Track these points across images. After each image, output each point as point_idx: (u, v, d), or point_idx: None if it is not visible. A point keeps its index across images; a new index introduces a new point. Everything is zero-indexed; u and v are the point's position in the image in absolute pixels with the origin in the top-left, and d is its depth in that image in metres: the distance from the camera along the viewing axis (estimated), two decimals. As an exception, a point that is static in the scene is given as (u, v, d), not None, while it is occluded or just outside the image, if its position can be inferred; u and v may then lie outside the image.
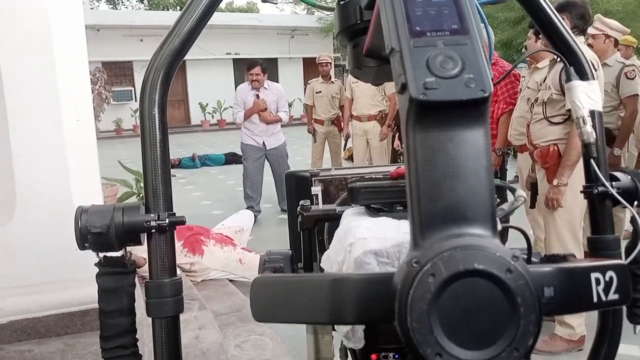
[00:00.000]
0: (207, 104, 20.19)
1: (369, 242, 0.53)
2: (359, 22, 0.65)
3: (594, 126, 0.76)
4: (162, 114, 0.65)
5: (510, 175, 5.07)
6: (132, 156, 13.17)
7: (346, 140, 7.75)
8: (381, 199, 0.61)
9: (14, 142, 2.07)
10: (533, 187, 3.21)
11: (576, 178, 2.84)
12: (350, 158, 7.52)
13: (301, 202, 0.74)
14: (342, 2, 0.69)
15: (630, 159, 4.25)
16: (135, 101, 19.57)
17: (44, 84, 2.09)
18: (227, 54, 20.91)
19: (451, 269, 0.36)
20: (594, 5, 12.74)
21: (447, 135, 0.40)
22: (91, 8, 21.67)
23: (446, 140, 0.40)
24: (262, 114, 6.08)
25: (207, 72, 20.41)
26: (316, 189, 0.75)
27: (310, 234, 0.75)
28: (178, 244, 3.73)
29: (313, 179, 0.92)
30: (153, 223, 0.63)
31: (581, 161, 2.78)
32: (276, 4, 0.73)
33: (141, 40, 19.58)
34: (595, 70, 2.78)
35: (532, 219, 3.66)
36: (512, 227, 0.59)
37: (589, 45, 4.02)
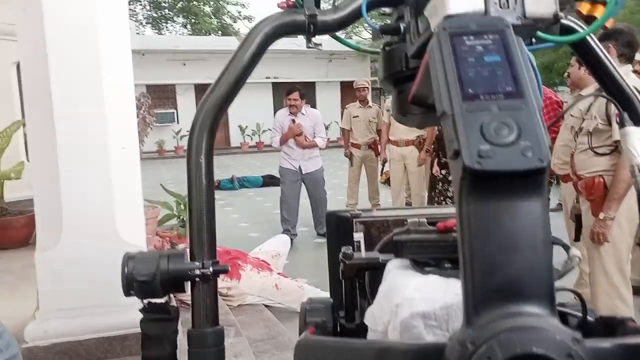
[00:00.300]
0: (246, 127, 20.53)
1: (416, 303, 0.52)
2: (404, 69, 0.65)
3: (650, 175, 0.72)
4: (209, 162, 0.65)
5: (552, 203, 4.93)
6: (173, 177, 13.47)
7: (383, 165, 7.72)
8: (428, 254, 0.60)
9: (62, 167, 2.14)
10: (577, 219, 3.10)
11: (623, 211, 2.73)
12: (387, 182, 7.48)
13: (343, 249, 0.73)
14: (387, 49, 0.69)
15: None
16: (178, 123, 20.10)
17: (93, 111, 2.17)
18: (266, 78, 21.28)
19: (508, 352, 0.34)
20: (637, 28, 12.42)
21: (502, 206, 0.38)
22: (137, 33, 22.48)
23: (501, 211, 0.38)
24: (297, 138, 6.13)
25: (247, 96, 20.72)
26: (358, 235, 0.74)
27: (353, 284, 0.73)
28: (216, 268, 3.75)
29: (354, 220, 0.91)
30: (197, 272, 0.63)
31: (629, 194, 2.70)
32: (321, 49, 0.73)
33: (184, 64, 20.15)
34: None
35: (577, 251, 3.52)
36: (566, 289, 0.56)
37: (635, 71, 3.90)
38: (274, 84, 21.49)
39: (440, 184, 5.27)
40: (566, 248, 0.59)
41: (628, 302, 2.88)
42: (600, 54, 0.73)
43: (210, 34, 29.35)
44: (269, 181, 10.74)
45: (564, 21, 0.71)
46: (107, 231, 2.20)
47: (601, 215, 2.74)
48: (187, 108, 20.74)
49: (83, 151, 2.16)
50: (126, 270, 0.63)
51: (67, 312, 2.21)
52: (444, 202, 5.24)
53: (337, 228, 0.92)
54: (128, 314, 2.26)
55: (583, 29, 0.68)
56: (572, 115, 3.28)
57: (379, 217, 0.92)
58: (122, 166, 2.23)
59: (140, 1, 28.24)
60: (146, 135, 4.74)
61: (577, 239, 3.22)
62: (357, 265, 0.71)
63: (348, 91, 17.97)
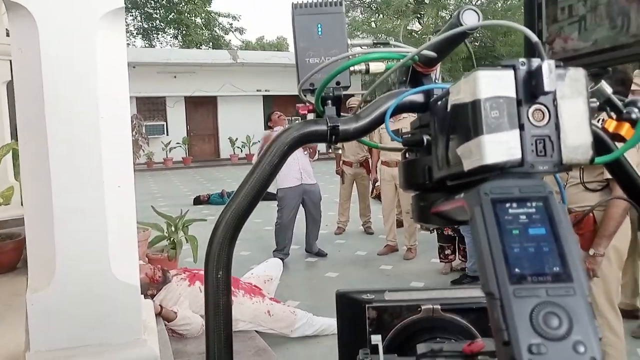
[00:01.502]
0: (236, 139, 20.50)
1: None
2: (427, 182, 0.64)
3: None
4: (227, 276, 0.64)
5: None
6: (162, 190, 13.39)
7: (374, 185, 7.73)
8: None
9: (57, 207, 2.11)
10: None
11: (611, 246, 2.76)
12: (378, 197, 7.49)
13: (361, 354, 0.71)
14: (408, 157, 0.68)
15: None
16: (167, 135, 20.00)
17: (88, 150, 2.13)
18: (257, 90, 21.29)
19: None
20: (491, 52, 12.61)
21: None
22: (128, 44, 22.40)
23: None
24: (312, 150, 6.09)
25: (238, 108, 20.81)
26: (376, 338, 0.73)
27: (371, 393, 0.72)
28: (208, 295, 3.71)
29: (367, 306, 0.89)
30: None
31: (621, 229, 2.72)
32: (340, 152, 0.72)
33: (174, 76, 20.10)
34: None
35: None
36: None
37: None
38: (264, 96, 21.50)
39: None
40: None
41: (618, 333, 2.91)
42: (629, 167, 0.74)
43: (201, 46, 29.34)
44: (259, 196, 10.70)
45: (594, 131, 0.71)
46: (101, 271, 2.17)
47: (591, 252, 2.77)
48: (177, 120, 20.68)
49: (78, 190, 2.12)
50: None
51: (58, 353, 2.16)
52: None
53: (348, 313, 0.90)
54: (120, 354, 2.23)
55: (611, 142, 0.68)
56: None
57: (392, 301, 0.90)
58: (117, 205, 2.20)
59: (132, 12, 28.17)
60: (138, 157, 4.70)
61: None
62: (377, 376, 0.70)
63: (340, 107, 18.01)
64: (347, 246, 6.88)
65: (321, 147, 20.92)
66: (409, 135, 0.66)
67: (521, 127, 0.48)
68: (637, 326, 3.82)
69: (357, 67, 0.70)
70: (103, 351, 2.22)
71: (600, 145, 0.65)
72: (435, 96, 0.63)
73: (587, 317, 0.37)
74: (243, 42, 35.01)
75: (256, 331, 3.89)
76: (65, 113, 2.06)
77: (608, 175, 2.71)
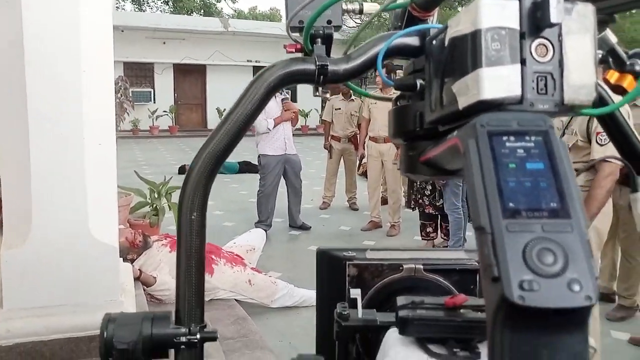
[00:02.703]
0: (224, 109, 20.25)
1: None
2: (418, 129, 0.60)
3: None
4: (202, 219, 0.60)
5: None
6: (147, 158, 13.24)
7: (360, 161, 7.71)
8: (434, 333, 0.56)
9: (34, 162, 2.05)
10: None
11: (592, 229, 2.78)
12: (365, 174, 7.49)
13: (339, 308, 0.69)
14: (399, 103, 0.65)
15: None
16: (154, 102, 19.71)
17: (69, 106, 2.07)
18: (247, 61, 21.00)
19: None
20: (619, 33, 12.64)
21: (541, 341, 0.34)
22: (117, 8, 21.88)
23: (540, 347, 0.34)
24: (294, 117, 6.04)
25: (227, 78, 20.50)
26: (355, 292, 0.70)
27: (347, 346, 0.69)
28: (189, 262, 3.68)
29: (347, 263, 0.86)
30: (183, 339, 0.58)
31: (603, 210, 2.74)
32: (328, 98, 0.68)
33: (164, 43, 19.74)
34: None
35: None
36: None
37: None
38: (255, 67, 21.24)
39: (418, 183, 5.28)
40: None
41: (593, 313, 2.94)
42: (623, 121, 0.71)
43: (192, 13, 28.77)
44: (245, 168, 10.63)
45: None
46: (79, 229, 2.12)
47: None
48: (164, 88, 20.35)
49: (56, 146, 2.06)
50: (105, 335, 0.58)
51: (32, 312, 2.13)
52: (421, 201, 5.25)
53: (328, 270, 0.88)
54: (96, 315, 2.19)
55: (609, 95, 0.65)
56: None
57: (373, 260, 0.88)
58: (98, 163, 2.15)
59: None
60: (122, 120, 4.60)
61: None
62: (353, 328, 0.67)
63: (331, 46, 17.87)
64: (331, 221, 6.89)
65: (311, 122, 20.64)
66: (403, 79, 0.63)
67: (523, 62, 0.45)
68: (612, 309, 3.88)
69: (350, 6, 0.66)
70: (79, 311, 2.18)
71: (597, 97, 0.63)
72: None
73: (584, 255, 0.34)
74: (235, 10, 34.39)
75: (236, 300, 3.89)
76: (45, 67, 1.98)
77: (595, 156, 2.71)
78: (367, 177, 6.71)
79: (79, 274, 2.17)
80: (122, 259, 2.77)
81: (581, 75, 0.46)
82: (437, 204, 5.12)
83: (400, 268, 0.85)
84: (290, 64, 0.63)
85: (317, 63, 0.62)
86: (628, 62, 0.59)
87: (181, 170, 10.50)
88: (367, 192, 6.57)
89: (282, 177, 6.07)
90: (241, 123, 0.61)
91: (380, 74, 0.61)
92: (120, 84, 4.48)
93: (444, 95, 0.52)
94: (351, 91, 7.34)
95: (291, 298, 3.95)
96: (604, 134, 2.74)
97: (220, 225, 6.48)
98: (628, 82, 0.59)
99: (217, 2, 30.71)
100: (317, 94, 0.66)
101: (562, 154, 0.38)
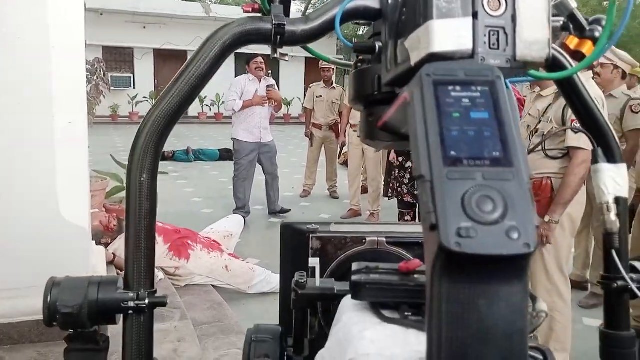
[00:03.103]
0: (205, 96, 20.05)
1: (371, 359, 0.47)
2: (376, 93, 0.59)
3: (618, 214, 0.70)
4: (152, 182, 0.58)
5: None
6: (125, 144, 13.03)
7: (341, 149, 7.69)
8: (388, 298, 0.55)
9: (3, 141, 2.00)
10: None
11: (565, 213, 2.81)
12: (346, 163, 7.49)
13: (296, 276, 0.68)
14: (359, 66, 0.63)
15: (629, 193, 4.23)
16: (134, 88, 19.41)
17: (38, 82, 2.02)
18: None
19: None
20: (598, 28, 12.77)
21: (479, 290, 0.34)
22: (96, -10, 21.44)
23: (477, 297, 0.33)
24: (276, 102, 5.92)
25: (208, 65, 20.28)
26: (314, 261, 0.69)
27: (304, 315, 0.69)
28: (164, 247, 3.65)
29: (311, 236, 0.85)
30: (131, 304, 0.56)
31: (577, 198, 2.78)
32: (287, 60, 0.67)
33: (144, 27, 19.41)
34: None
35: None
36: (533, 347, 0.53)
37: (597, 74, 3.98)
38: (237, 54, 20.99)
39: (397, 171, 5.29)
40: (533, 299, 0.56)
41: (566, 299, 2.99)
42: (582, 88, 0.70)
43: (173, -2, 28.30)
44: (225, 155, 10.54)
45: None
46: (48, 209, 2.08)
47: (546, 218, 2.81)
48: (144, 73, 20.03)
49: (25, 125, 2.01)
50: (49, 299, 0.56)
51: (0, 294, 2.08)
52: (399, 189, 5.26)
53: (292, 242, 0.87)
54: (67, 297, 2.16)
55: (568, 61, 0.64)
56: (530, 115, 3.33)
57: (337, 233, 0.87)
58: (68, 142, 2.10)
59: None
60: (98, 103, 4.52)
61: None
62: (310, 296, 0.66)
63: (313, 68, 17.76)
64: (311, 209, 6.88)
65: (294, 110, 20.49)
66: (362, 42, 0.61)
67: (474, 15, 0.44)
68: (584, 297, 3.95)
69: None
70: (48, 293, 2.15)
71: (556, 62, 0.62)
72: None
73: (525, 203, 0.34)
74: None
75: (213, 286, 3.87)
76: (11, 39, 1.93)
77: (569, 144, 2.73)
78: (347, 166, 6.70)
79: (47, 255, 2.13)
80: (95, 242, 2.73)
81: (534, 31, 0.45)
82: (416, 192, 5.13)
83: (363, 241, 0.84)
84: (246, 22, 0.61)
85: (274, 22, 0.60)
86: (588, 28, 0.59)
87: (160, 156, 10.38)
88: (347, 181, 6.57)
89: (257, 164, 6.04)
90: (193, 82, 0.59)
91: (338, 36, 0.60)
92: (96, 66, 4.40)
93: (398, 53, 0.50)
94: (333, 79, 7.33)
95: (268, 284, 3.94)
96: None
97: (199, 212, 6.43)
98: (587, 47, 0.58)
99: (199, -13, 30.26)
100: (275, 55, 0.65)
101: (507, 104, 0.37)
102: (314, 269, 0.69)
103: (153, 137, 0.59)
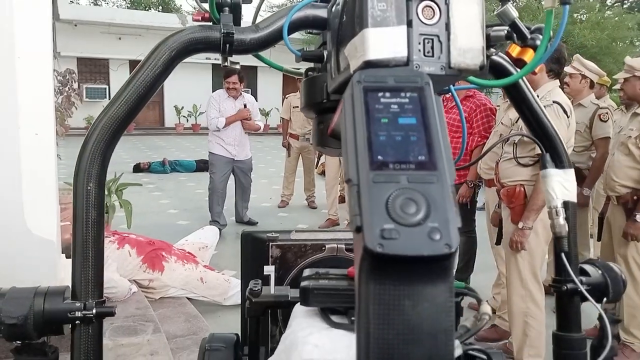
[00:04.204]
0: (182, 107, 19.94)
1: (315, 365, 0.48)
2: (325, 101, 0.60)
3: (567, 218, 0.72)
4: (100, 190, 0.58)
5: (479, 204, 5.10)
6: (101, 156, 12.88)
7: (318, 159, 7.71)
8: (336, 303, 0.56)
9: (-35, 152, 1.96)
10: (500, 224, 3.22)
11: (539, 220, 2.86)
12: (323, 173, 7.49)
13: (251, 284, 0.68)
14: (309, 74, 0.64)
15: (598, 199, 4.32)
16: (109, 99, 19.11)
17: (3, 93, 1.98)
18: (206, 58, 20.70)
19: None
20: (569, 39, 13.09)
21: (403, 291, 0.34)
22: (71, 2, 21.22)
23: (402, 297, 0.34)
24: (247, 122, 5.95)
25: (185, 76, 20.13)
26: (269, 269, 0.69)
27: (259, 322, 0.68)
28: (138, 259, 3.61)
29: (270, 244, 0.86)
30: (78, 314, 0.56)
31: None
32: (238, 69, 0.67)
33: (119, 38, 19.26)
34: (568, 117, 2.83)
35: (497, 253, 3.68)
36: (475, 349, 0.54)
37: (566, 84, 4.08)
38: (214, 65, 20.95)
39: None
40: (478, 301, 0.57)
41: (540, 305, 3.03)
42: (529, 95, 0.72)
43: (150, 9, 28.18)
44: (202, 166, 10.45)
45: (494, 58, 0.69)
46: (13, 224, 2.04)
47: (520, 225, 2.85)
48: (120, 84, 19.56)
49: (-11, 135, 1.98)
50: (-7, 310, 0.55)
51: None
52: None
53: (252, 251, 0.87)
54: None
55: (513, 67, 0.66)
56: (502, 124, 3.39)
57: (297, 240, 0.87)
58: (34, 154, 2.07)
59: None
60: (70, 115, 4.46)
61: (498, 242, 3.36)
62: (264, 304, 0.66)
63: (290, 79, 17.79)
64: (289, 219, 6.87)
65: (272, 121, 20.42)
66: (310, 50, 0.62)
67: (409, 24, 0.45)
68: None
69: None
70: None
71: (501, 70, 0.64)
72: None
73: (447, 205, 0.34)
74: (195, 8, 33.85)
75: (188, 298, 3.82)
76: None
77: (539, 151, 2.78)
78: (325, 176, 6.72)
79: (14, 266, 2.08)
80: (65, 255, 2.68)
81: (468, 39, 0.46)
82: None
83: (323, 248, 0.85)
84: (195, 31, 0.62)
85: (223, 31, 0.61)
86: (529, 37, 0.60)
87: (136, 168, 10.27)
88: (325, 191, 6.58)
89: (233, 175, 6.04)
90: (141, 91, 0.60)
91: (286, 45, 0.61)
92: (68, 77, 4.34)
93: (340, 61, 0.51)
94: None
95: (244, 295, 3.91)
96: None
97: (174, 224, 6.37)
98: (529, 55, 0.60)
99: (175, -2, 30.23)
100: (226, 64, 0.65)
101: (434, 110, 0.38)
102: (269, 277, 0.69)
103: (100, 145, 0.59)
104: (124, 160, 12.19)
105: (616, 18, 14.82)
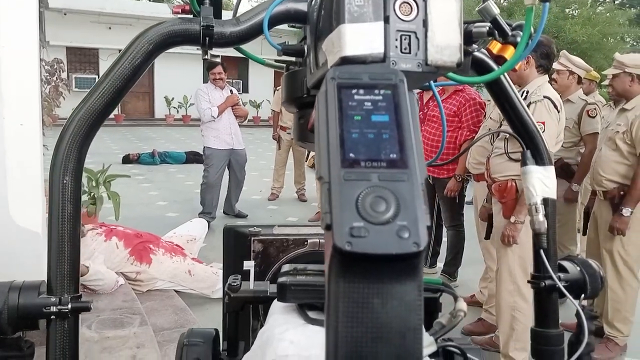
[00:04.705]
0: (172, 98, 19.79)
1: (290, 361, 0.48)
2: (305, 95, 0.60)
3: (546, 215, 0.73)
4: (76, 184, 0.57)
5: (467, 198, 5.13)
6: (90, 147, 12.75)
7: (309, 152, 7.70)
8: (313, 299, 0.56)
9: (-52, 143, 1.93)
10: (489, 219, 3.24)
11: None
12: (314, 166, 7.49)
13: (230, 279, 0.67)
14: (290, 69, 0.64)
15: (585, 194, 4.36)
16: (99, 89, 18.97)
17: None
18: (197, 49, 20.54)
19: None
20: (560, 34, 13.13)
21: (373, 289, 0.34)
22: (60, -11, 20.96)
23: (371, 295, 0.34)
24: (238, 107, 5.93)
25: (176, 66, 19.98)
26: (249, 264, 0.69)
27: (237, 318, 0.68)
28: (125, 251, 3.59)
29: (252, 238, 0.85)
30: (53, 308, 0.55)
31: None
32: (218, 62, 0.67)
33: (109, 28, 19.05)
34: (559, 112, 2.84)
35: (485, 247, 3.70)
36: (451, 346, 0.54)
37: (553, 79, 4.09)
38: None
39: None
40: (455, 297, 0.57)
41: (527, 300, 3.05)
42: (510, 91, 0.72)
43: (140, -1, 27.90)
44: (192, 158, 10.42)
45: (476, 54, 0.69)
46: (-3, 214, 2.02)
47: (512, 219, 2.87)
48: (110, 74, 19.60)
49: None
50: (-34, 305, 0.54)
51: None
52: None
53: (234, 245, 0.87)
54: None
55: (494, 64, 0.66)
56: (491, 118, 3.40)
57: (279, 235, 0.87)
58: (19, 144, 2.05)
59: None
60: (58, 104, 4.41)
61: (487, 237, 3.38)
62: (243, 299, 0.66)
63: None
64: (279, 212, 6.86)
65: (263, 113, 20.30)
66: (290, 45, 0.62)
67: (386, 20, 0.45)
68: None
69: None
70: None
71: (483, 66, 0.64)
72: None
73: (416, 203, 0.34)
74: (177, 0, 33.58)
75: (175, 291, 3.81)
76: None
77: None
78: (315, 168, 6.71)
79: (-2, 260, 2.06)
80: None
81: (445, 36, 0.46)
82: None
83: (305, 243, 0.85)
84: (174, 23, 0.61)
85: (202, 24, 0.60)
86: (510, 34, 0.60)
87: (125, 159, 10.20)
88: (315, 184, 6.58)
89: (226, 169, 6.02)
90: (119, 84, 0.59)
91: (267, 38, 0.60)
92: (55, 67, 4.29)
93: (319, 56, 0.51)
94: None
95: (232, 288, 3.91)
96: (539, 124, 2.85)
97: (163, 216, 6.34)
98: (509, 52, 0.60)
99: (167, -12, 29.91)
100: (206, 57, 0.64)
101: (407, 108, 0.38)
102: (248, 272, 0.68)
103: (76, 138, 0.58)
104: (113, 151, 12.11)
105: (607, 14, 14.86)
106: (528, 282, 0.76)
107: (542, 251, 0.72)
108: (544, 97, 2.79)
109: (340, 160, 0.35)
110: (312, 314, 0.55)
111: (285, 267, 0.59)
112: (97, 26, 18.83)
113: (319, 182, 0.37)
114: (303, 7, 0.61)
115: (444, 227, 4.47)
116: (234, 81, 19.04)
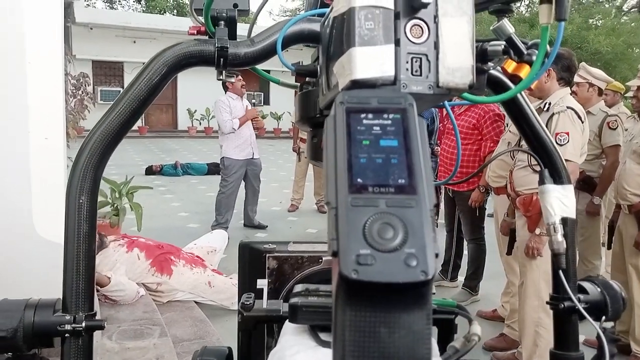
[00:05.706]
0: (195, 110, 20.05)
1: (299, 385, 0.47)
2: (318, 115, 0.60)
3: (565, 235, 0.71)
4: (92, 204, 0.58)
5: (488, 210, 5.05)
6: (114, 159, 12.77)
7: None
8: (325, 320, 0.55)
9: (-25, 156, 1.98)
10: (511, 233, 3.18)
11: None
12: (334, 179, 7.46)
13: (244, 298, 0.67)
14: (304, 89, 0.64)
15: (609, 207, 4.27)
16: (123, 102, 19.32)
17: (13, 98, 2.01)
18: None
19: None
20: (584, 45, 12.96)
21: (380, 318, 0.34)
22: (87, 5, 21.48)
23: (379, 324, 0.34)
24: (257, 120, 6.03)
25: (198, 79, 20.23)
26: (262, 283, 0.69)
27: (250, 336, 0.68)
28: (146, 263, 3.63)
29: (267, 255, 0.85)
30: (67, 327, 0.56)
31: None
32: (232, 82, 0.67)
33: (134, 42, 19.44)
34: (582, 123, 2.79)
35: (506, 262, 3.63)
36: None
37: (573, 92, 4.03)
38: (225, 70, 20.99)
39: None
40: (469, 320, 0.56)
41: (551, 316, 2.99)
42: (527, 109, 0.71)
43: (165, 13, 28.43)
44: (214, 169, 10.49)
45: (492, 72, 0.68)
46: (21, 226, 2.06)
47: (537, 231, 2.81)
48: (135, 87, 19.95)
49: (1, 142, 2.00)
50: (-17, 323, 0.55)
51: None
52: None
53: (249, 262, 0.87)
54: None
55: (510, 83, 0.65)
56: (510, 131, 3.35)
57: (294, 252, 0.87)
58: (44, 157, 2.09)
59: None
60: (83, 117, 4.51)
61: (509, 252, 3.32)
62: (256, 318, 0.66)
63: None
64: (299, 223, 6.86)
65: (284, 125, 20.42)
66: (303, 65, 0.62)
67: (397, 43, 0.45)
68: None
69: None
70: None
71: (498, 85, 0.63)
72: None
73: (425, 230, 0.34)
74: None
75: (196, 302, 3.83)
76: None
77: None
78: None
79: (22, 271, 2.10)
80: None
81: (457, 58, 0.46)
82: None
83: (320, 260, 0.84)
84: (190, 45, 0.62)
85: (217, 45, 0.61)
86: (526, 52, 0.60)
87: (148, 170, 10.34)
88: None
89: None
90: (135, 105, 0.60)
91: (280, 59, 0.61)
92: (81, 80, 4.39)
93: (330, 77, 0.51)
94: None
95: (252, 300, 3.91)
96: (564, 134, 2.80)
97: (184, 227, 6.39)
98: (524, 71, 0.60)
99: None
100: (221, 77, 0.65)
101: (417, 132, 0.38)
102: (262, 290, 0.68)
103: (93, 159, 0.59)
104: (136, 162, 12.29)
105: (632, 24, 14.64)
106: (547, 303, 0.74)
107: (561, 272, 0.70)
108: (567, 107, 2.75)
109: (347, 185, 0.35)
110: (323, 336, 0.55)
111: (298, 288, 0.59)
112: (122, 40, 19.23)
113: (327, 209, 0.36)
114: (316, 27, 0.62)
115: (464, 240, 4.41)
116: (255, 93, 19.18)
